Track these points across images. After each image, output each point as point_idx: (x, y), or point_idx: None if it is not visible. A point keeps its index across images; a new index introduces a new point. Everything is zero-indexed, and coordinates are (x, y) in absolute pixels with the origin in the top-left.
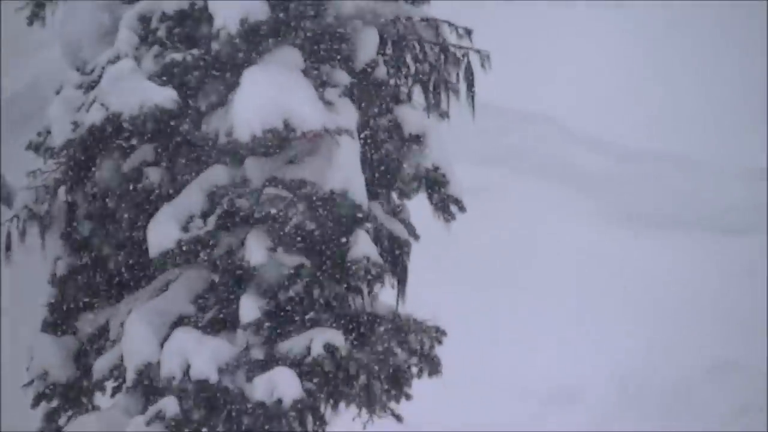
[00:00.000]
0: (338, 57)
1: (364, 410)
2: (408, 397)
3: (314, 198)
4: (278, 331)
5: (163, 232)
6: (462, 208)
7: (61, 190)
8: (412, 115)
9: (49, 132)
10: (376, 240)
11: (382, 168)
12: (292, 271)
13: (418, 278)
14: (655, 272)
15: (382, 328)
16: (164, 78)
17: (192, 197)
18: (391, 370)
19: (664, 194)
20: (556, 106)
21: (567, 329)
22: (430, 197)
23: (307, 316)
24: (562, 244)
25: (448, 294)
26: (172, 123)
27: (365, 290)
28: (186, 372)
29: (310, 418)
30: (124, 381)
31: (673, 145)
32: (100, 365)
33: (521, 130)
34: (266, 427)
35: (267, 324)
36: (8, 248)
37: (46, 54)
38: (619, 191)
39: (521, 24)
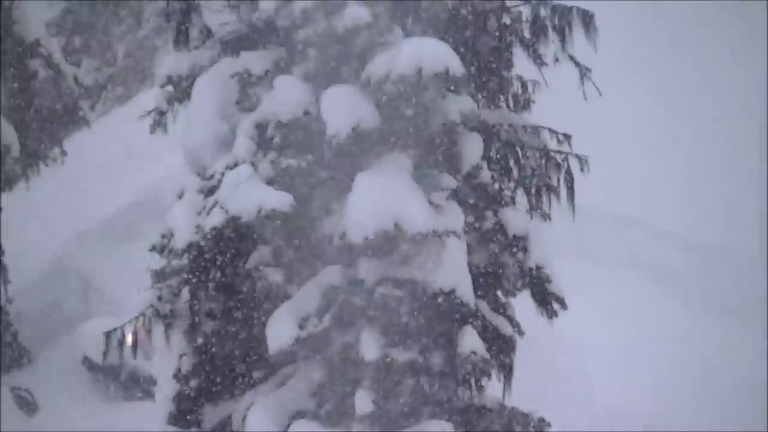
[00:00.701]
0: (445, 162)
1: None
2: None
3: (424, 296)
4: (392, 422)
5: (281, 330)
6: (564, 306)
7: (185, 289)
8: (515, 217)
9: (172, 234)
10: (483, 336)
11: (488, 268)
12: (404, 366)
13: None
14: (731, 357)
15: (489, 420)
16: (280, 182)
17: (308, 296)
18: None
19: (735, 286)
20: (642, 207)
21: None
22: (533, 295)
23: (419, 409)
24: (644, 332)
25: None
26: (288, 225)
27: (473, 383)
28: None
29: None
30: None
31: (745, 240)
32: None
33: (612, 230)
34: None
35: (381, 416)
36: (135, 345)
37: (167, 160)
38: (699, 284)
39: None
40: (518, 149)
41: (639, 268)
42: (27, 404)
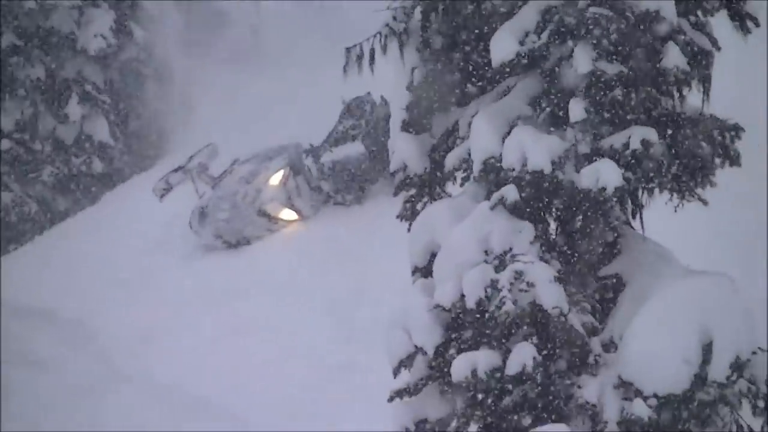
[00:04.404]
0: None
1: (674, 195)
2: (712, 184)
3: (632, 15)
4: (601, 128)
5: (503, 46)
6: (757, 23)
7: (417, 10)
8: None
9: None
10: (684, 51)
11: None
12: (612, 78)
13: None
14: None
15: (689, 126)
16: None
17: (527, 16)
18: (697, 161)
19: None
20: None
21: None
22: (729, 14)
23: (625, 117)
24: None
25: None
26: None
27: (675, 94)
28: (524, 164)
29: (629, 203)
30: (472, 172)
31: None
32: (451, 159)
33: None
34: (591, 211)
35: (591, 123)
36: (371, 60)
37: None
38: None
39: None
40: None
41: None
42: None
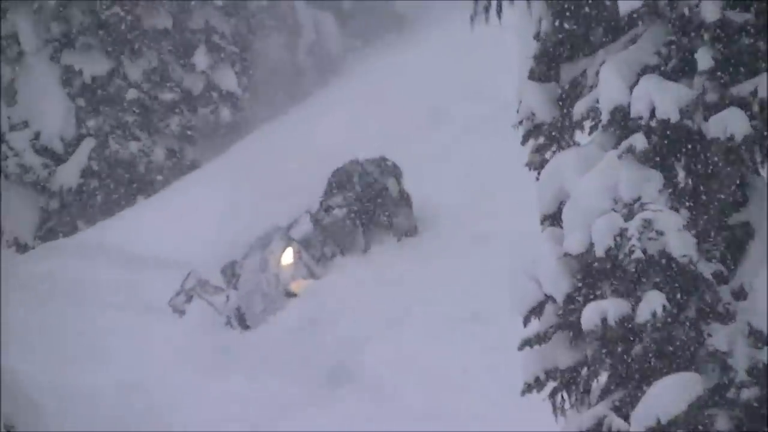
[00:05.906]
0: None
1: None
2: None
3: None
4: (730, 77)
5: None
6: None
7: None
8: None
9: None
10: None
11: None
12: (740, 26)
13: None
14: None
15: None
16: None
17: None
18: None
19: None
20: None
21: None
22: None
23: (754, 65)
24: None
25: None
26: None
27: None
28: (652, 112)
29: (757, 152)
30: (600, 121)
31: None
32: (579, 108)
33: None
34: (720, 159)
35: (720, 71)
36: (499, 9)
37: None
38: None
39: None
40: None
41: None
42: None
